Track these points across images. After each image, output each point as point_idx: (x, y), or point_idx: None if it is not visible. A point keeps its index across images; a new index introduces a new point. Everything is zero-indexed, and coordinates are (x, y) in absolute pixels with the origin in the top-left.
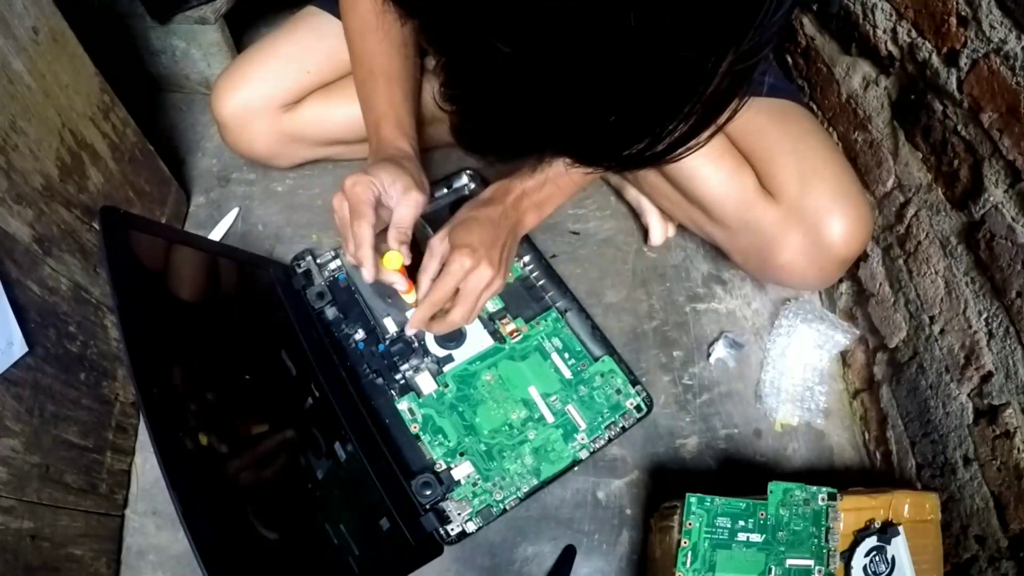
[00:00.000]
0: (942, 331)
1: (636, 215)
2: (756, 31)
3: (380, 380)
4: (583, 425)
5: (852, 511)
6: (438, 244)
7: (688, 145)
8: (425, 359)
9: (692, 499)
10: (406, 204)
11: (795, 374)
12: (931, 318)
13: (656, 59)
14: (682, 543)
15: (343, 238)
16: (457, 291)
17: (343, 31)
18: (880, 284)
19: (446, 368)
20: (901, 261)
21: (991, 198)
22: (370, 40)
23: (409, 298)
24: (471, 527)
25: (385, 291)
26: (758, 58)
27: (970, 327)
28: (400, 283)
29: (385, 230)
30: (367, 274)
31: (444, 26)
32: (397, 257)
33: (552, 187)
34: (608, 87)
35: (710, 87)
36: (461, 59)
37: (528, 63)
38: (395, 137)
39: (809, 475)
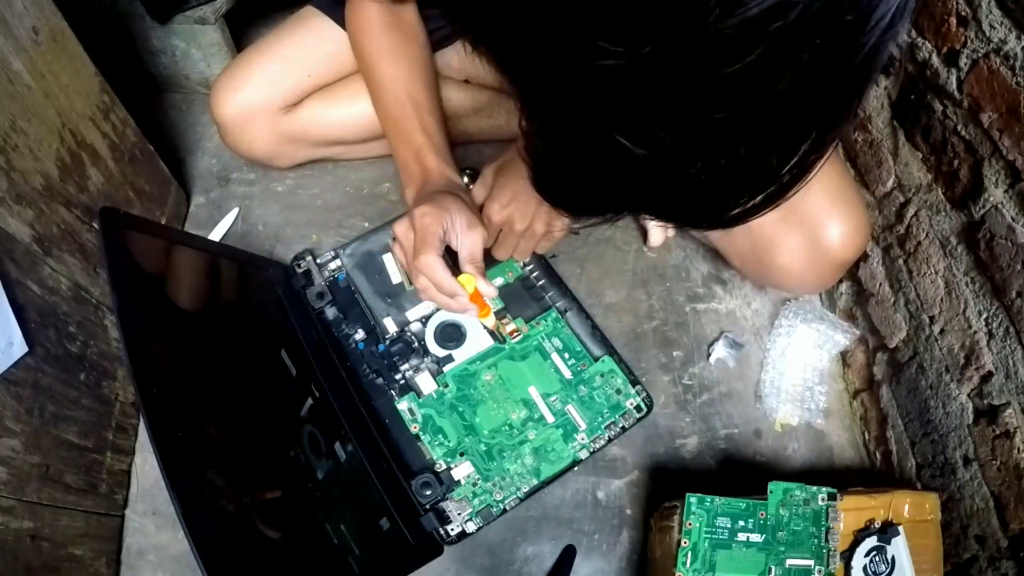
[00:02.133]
0: (942, 331)
1: (636, 215)
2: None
3: (380, 380)
4: (583, 425)
5: (852, 511)
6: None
7: (769, 206)
8: (425, 359)
9: (692, 499)
10: (472, 238)
11: (795, 374)
12: (931, 318)
13: (753, 144)
14: (682, 543)
15: (402, 265)
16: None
17: (357, 57)
18: (880, 284)
19: (446, 368)
20: (901, 261)
21: (991, 198)
22: (389, 64)
23: (488, 321)
24: (471, 527)
25: (385, 291)
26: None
27: (970, 327)
28: (476, 309)
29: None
30: (458, 304)
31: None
32: (470, 279)
33: None
34: (706, 153)
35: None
36: (547, 105)
37: (626, 109)
38: (442, 166)
39: (809, 475)
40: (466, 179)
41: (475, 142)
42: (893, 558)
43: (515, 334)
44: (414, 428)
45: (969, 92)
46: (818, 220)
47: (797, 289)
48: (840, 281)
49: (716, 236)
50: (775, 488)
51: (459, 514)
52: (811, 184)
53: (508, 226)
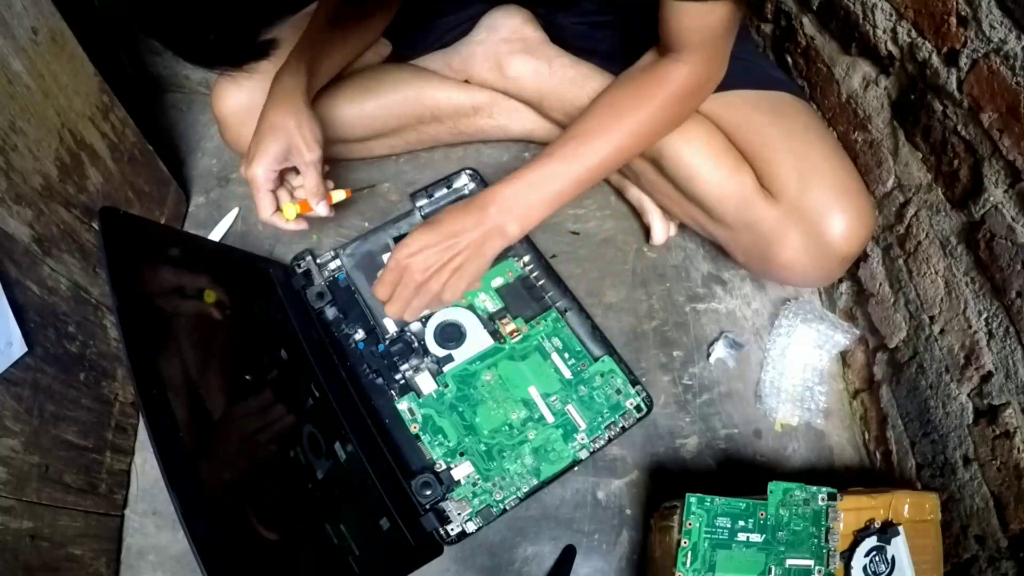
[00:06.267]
0: (942, 331)
1: (636, 215)
2: None
3: (380, 380)
4: (583, 425)
5: (852, 511)
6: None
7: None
8: (425, 359)
9: (692, 499)
10: (304, 172)
11: (795, 374)
12: (931, 318)
13: None
14: (682, 543)
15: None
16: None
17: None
18: (880, 284)
19: (446, 368)
20: (901, 261)
21: (991, 198)
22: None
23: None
24: (471, 527)
25: None
26: None
27: (970, 327)
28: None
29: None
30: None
31: None
32: (290, 208)
33: (539, 194)
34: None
35: None
36: None
37: None
38: (297, 88)
39: (809, 475)
40: (466, 179)
41: (475, 142)
42: (893, 558)
43: (515, 334)
44: (414, 428)
45: (969, 92)
46: (820, 214)
47: (802, 284)
48: (840, 281)
49: (720, 233)
50: (775, 488)
51: (459, 514)
52: (812, 178)
53: (408, 274)
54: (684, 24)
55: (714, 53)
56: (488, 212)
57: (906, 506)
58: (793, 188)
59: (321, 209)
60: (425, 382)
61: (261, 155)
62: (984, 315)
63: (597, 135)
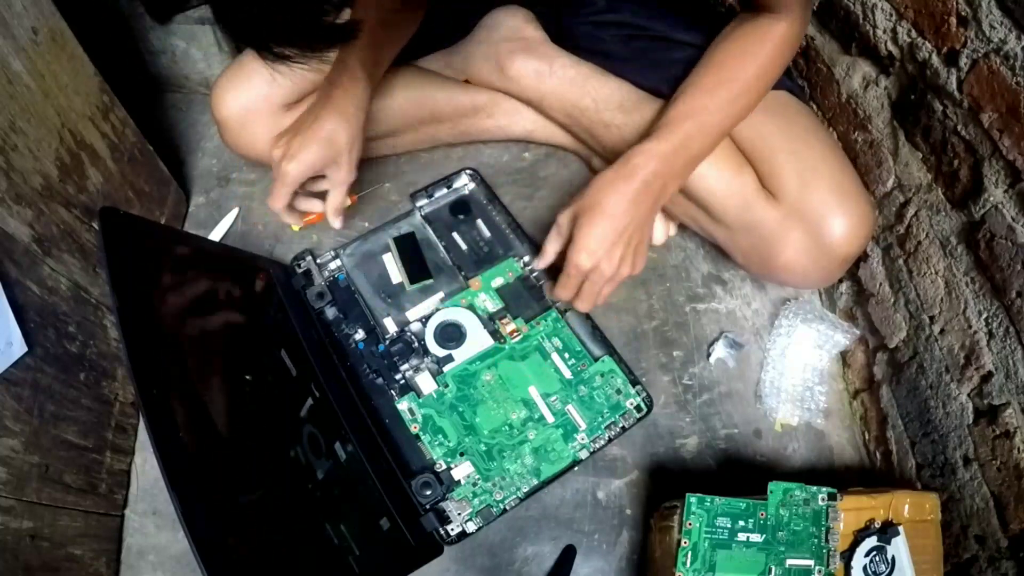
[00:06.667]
0: (942, 331)
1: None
2: None
3: (380, 380)
4: (583, 425)
5: (852, 511)
6: (564, 222)
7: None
8: (425, 359)
9: (692, 499)
10: (340, 193)
11: (795, 374)
12: (931, 318)
13: None
14: (682, 543)
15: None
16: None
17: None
18: (880, 284)
19: (446, 368)
20: (901, 261)
21: (991, 198)
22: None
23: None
24: (471, 527)
25: (385, 291)
26: None
27: (970, 327)
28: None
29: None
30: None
31: None
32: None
33: (686, 151)
34: None
35: None
36: None
37: None
38: (357, 77)
39: (809, 475)
40: (466, 179)
41: (475, 142)
42: (893, 558)
43: (515, 334)
44: (414, 428)
45: (969, 92)
46: (820, 215)
47: (802, 285)
48: (840, 281)
49: (719, 233)
50: (775, 488)
51: (459, 514)
52: (812, 179)
53: (597, 273)
54: None
55: (805, 4)
56: (647, 176)
57: (906, 506)
58: (794, 189)
59: (336, 224)
60: (425, 382)
61: (304, 157)
62: (984, 315)
63: (715, 90)
